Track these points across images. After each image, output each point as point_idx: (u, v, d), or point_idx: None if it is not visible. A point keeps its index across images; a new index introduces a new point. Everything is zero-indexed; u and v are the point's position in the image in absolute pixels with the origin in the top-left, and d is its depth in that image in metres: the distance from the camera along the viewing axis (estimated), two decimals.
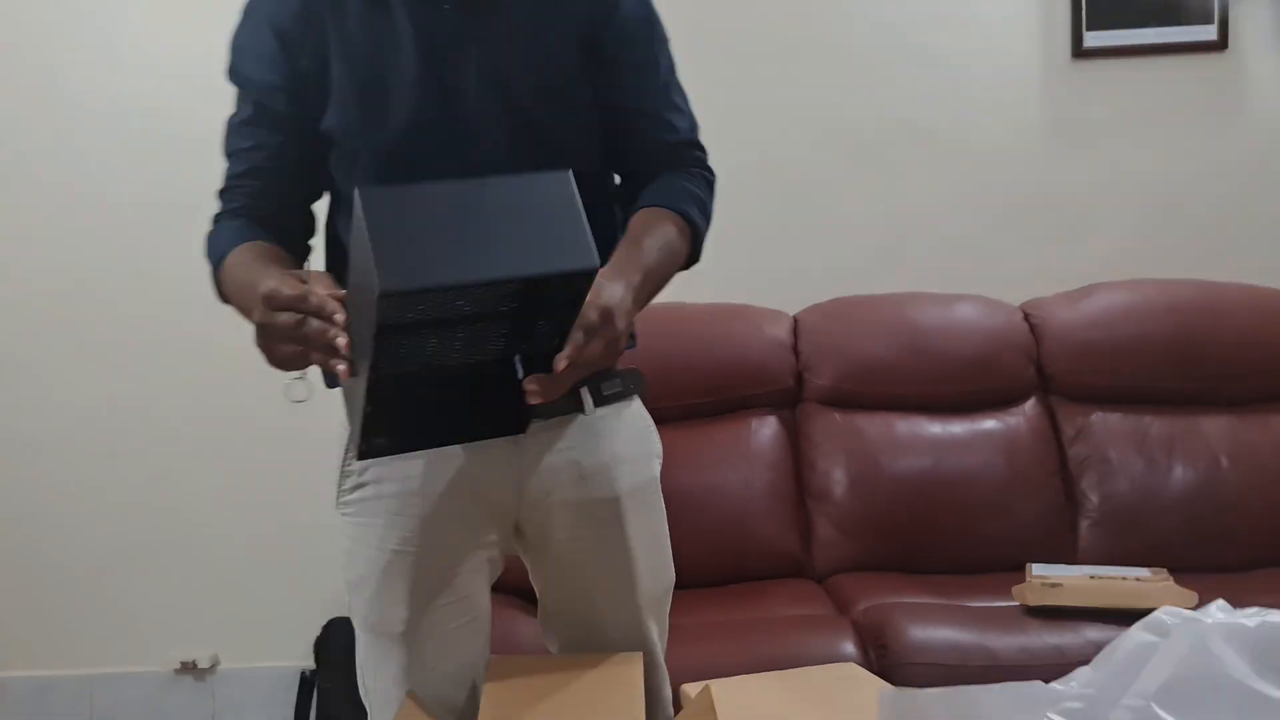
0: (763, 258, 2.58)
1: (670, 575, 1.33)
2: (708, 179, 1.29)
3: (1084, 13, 2.60)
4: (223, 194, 1.22)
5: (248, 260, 1.13)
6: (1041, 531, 2.29)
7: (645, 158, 1.26)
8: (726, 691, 1.09)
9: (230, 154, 1.22)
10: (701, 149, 1.29)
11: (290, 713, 2.55)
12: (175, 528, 2.68)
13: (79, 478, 2.69)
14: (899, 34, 2.63)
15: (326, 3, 1.14)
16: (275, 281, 0.95)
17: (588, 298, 0.97)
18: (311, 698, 2.54)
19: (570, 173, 0.94)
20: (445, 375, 0.95)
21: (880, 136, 2.65)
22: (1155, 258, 2.61)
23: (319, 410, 2.63)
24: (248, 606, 2.69)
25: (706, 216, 1.27)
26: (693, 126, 1.29)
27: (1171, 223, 2.65)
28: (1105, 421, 2.39)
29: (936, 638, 1.86)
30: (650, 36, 1.26)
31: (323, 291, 0.94)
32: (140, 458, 2.68)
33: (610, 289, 1.02)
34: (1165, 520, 2.28)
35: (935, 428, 2.38)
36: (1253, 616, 0.86)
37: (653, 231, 1.18)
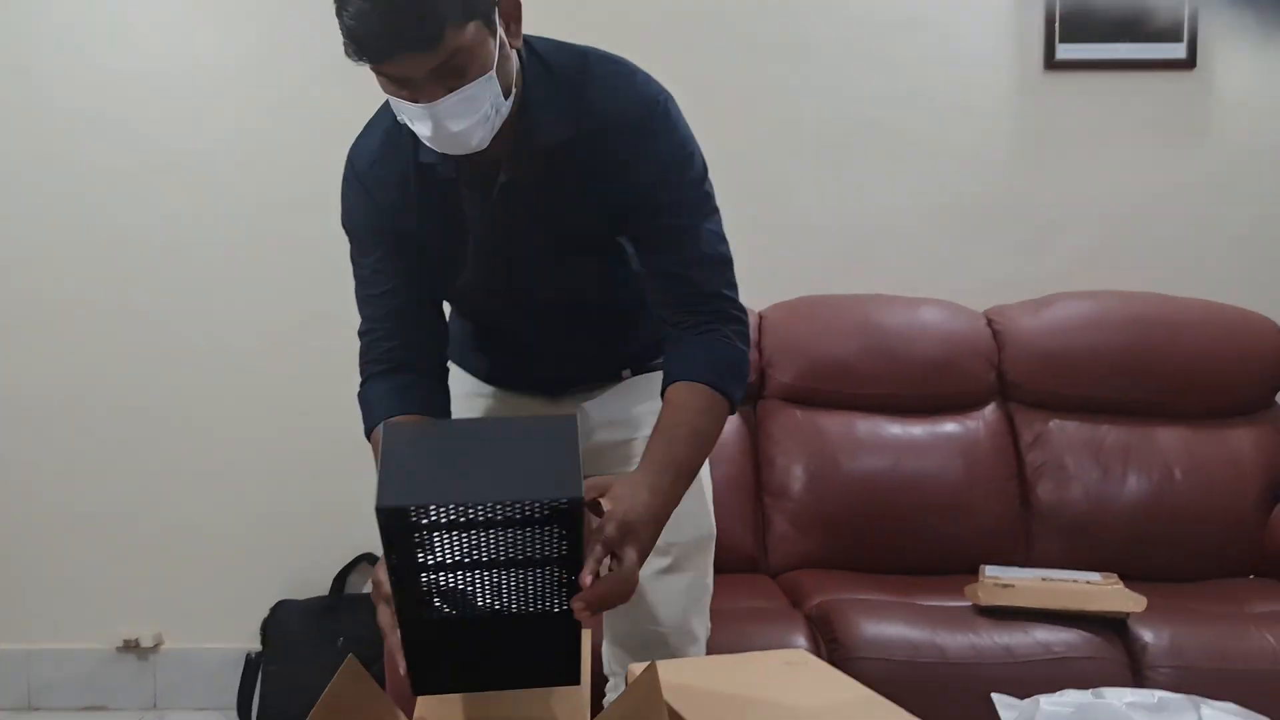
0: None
1: (709, 525, 1.46)
2: (742, 332, 1.30)
3: (1057, 25, 2.63)
4: (362, 338, 1.36)
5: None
6: (996, 535, 2.30)
7: (676, 300, 1.30)
8: (673, 671, 1.08)
9: (359, 301, 1.37)
10: (731, 301, 1.31)
11: (234, 695, 2.51)
12: (121, 502, 2.64)
13: (21, 448, 2.64)
14: (872, 37, 2.64)
15: (409, 181, 1.30)
16: (380, 574, 1.06)
17: (607, 509, 1.04)
18: (256, 680, 2.49)
19: (575, 416, 1.02)
20: (484, 624, 0.98)
21: (851, 139, 2.66)
22: (1118, 270, 2.63)
23: (274, 391, 2.63)
24: (194, 585, 2.65)
25: (743, 380, 1.30)
26: (728, 284, 1.31)
27: (1135, 236, 2.67)
28: (1063, 429, 2.41)
29: (887, 633, 1.86)
30: (680, 201, 1.30)
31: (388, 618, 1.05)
32: (86, 429, 2.63)
33: (631, 500, 1.09)
34: (1118, 528, 2.30)
35: (895, 429, 2.39)
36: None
37: (685, 423, 1.22)
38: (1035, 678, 1.75)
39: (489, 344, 1.50)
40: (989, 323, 2.50)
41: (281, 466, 2.63)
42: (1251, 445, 2.40)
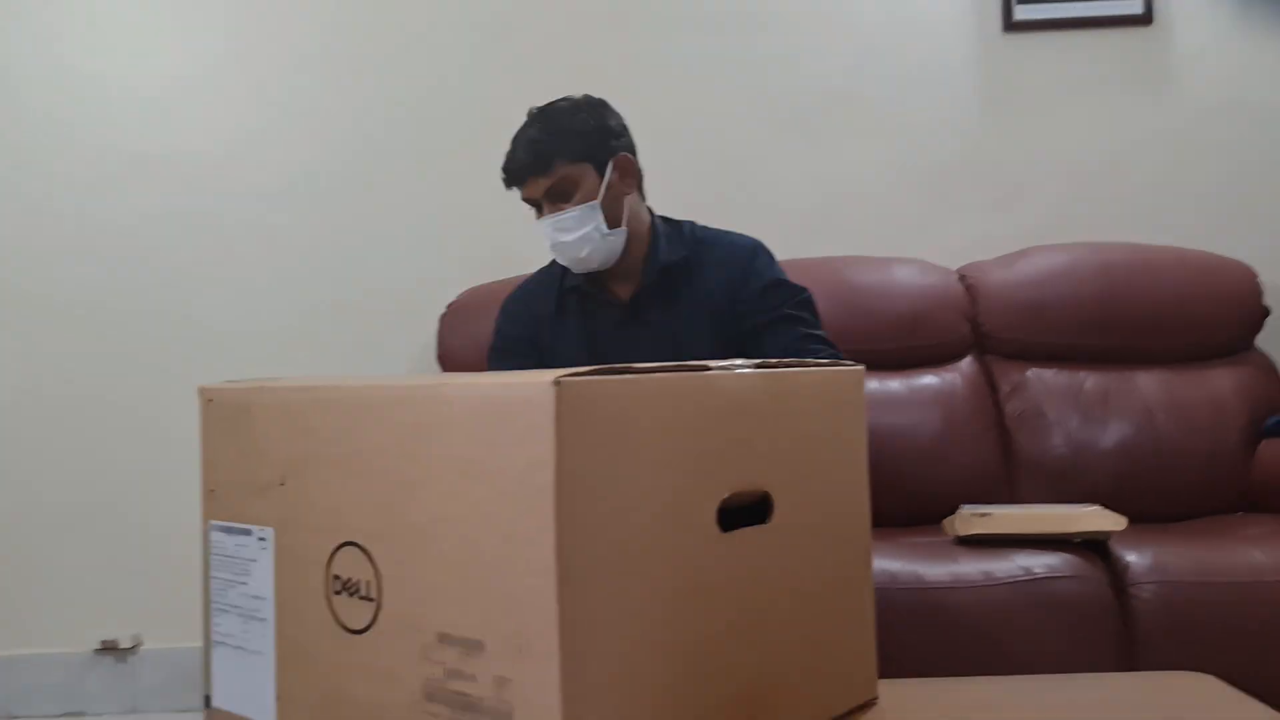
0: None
1: None
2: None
3: None
4: None
5: None
6: (978, 484, 2.26)
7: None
8: None
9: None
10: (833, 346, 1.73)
11: None
12: (96, 501, 2.61)
13: None
14: (831, 5, 2.67)
15: (551, 301, 1.75)
16: None
17: None
18: None
19: None
20: None
21: (813, 105, 2.67)
22: (1089, 224, 2.63)
23: None
24: (172, 585, 2.60)
25: None
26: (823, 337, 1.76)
27: (1104, 190, 2.67)
28: (1040, 378, 2.39)
29: None
30: (790, 299, 1.74)
31: None
32: (59, 428, 2.61)
33: None
34: (1102, 472, 2.26)
35: (873, 384, 2.36)
36: None
37: None
38: (1016, 599, 1.71)
39: None
40: (962, 278, 2.49)
41: None
42: (1233, 386, 2.37)
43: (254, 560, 0.85)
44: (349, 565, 0.78)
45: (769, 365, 0.84)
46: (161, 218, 2.63)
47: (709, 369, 0.78)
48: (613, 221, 1.64)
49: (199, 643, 2.64)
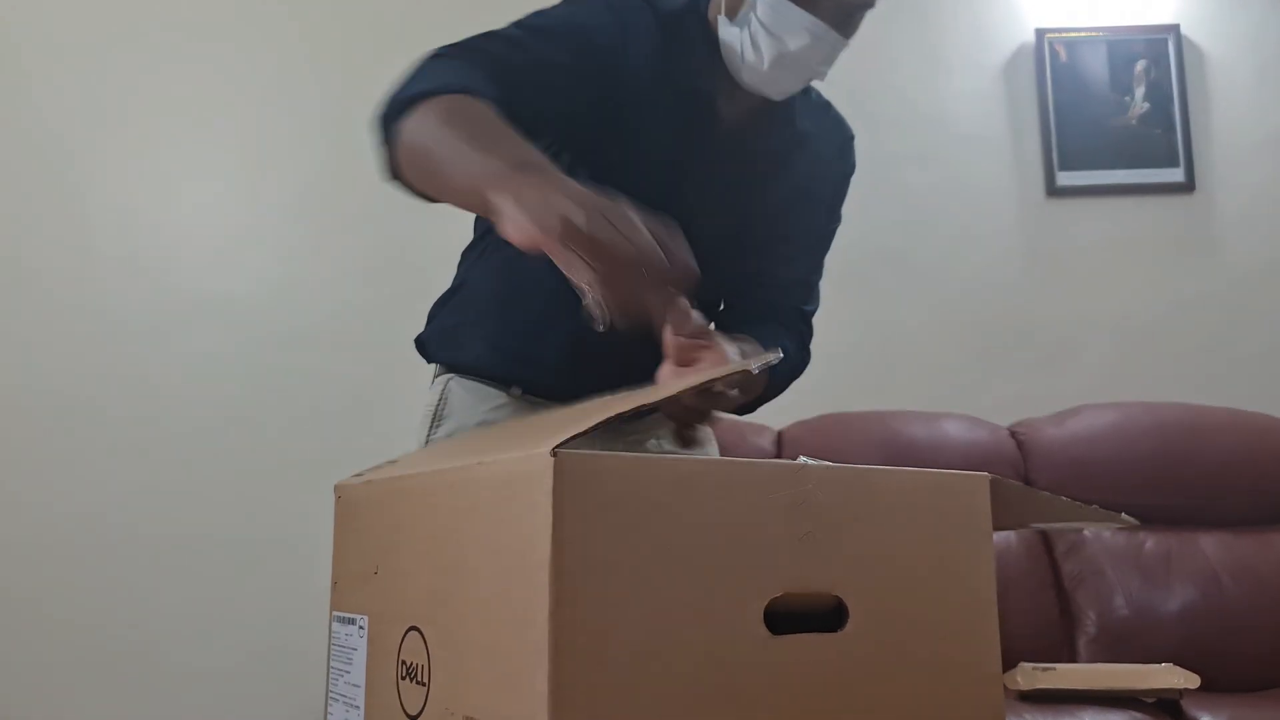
0: None
1: None
2: (807, 346, 1.32)
3: (1054, 154, 2.74)
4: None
5: (459, 112, 0.94)
6: (1035, 643, 2.17)
7: (768, 308, 1.28)
8: None
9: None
10: (811, 326, 1.34)
11: None
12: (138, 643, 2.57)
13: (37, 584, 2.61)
14: (883, 171, 2.76)
15: (662, 56, 1.17)
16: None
17: None
18: None
19: None
20: None
21: (864, 263, 2.73)
22: (1139, 385, 2.62)
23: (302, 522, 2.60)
24: None
25: (792, 370, 1.27)
26: (816, 306, 1.35)
27: (1152, 350, 2.67)
28: (1099, 537, 2.33)
29: None
30: (837, 207, 1.36)
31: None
32: (102, 566, 2.61)
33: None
34: (1165, 636, 2.17)
35: None
36: None
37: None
38: None
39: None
40: (1013, 434, 2.48)
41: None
42: None
43: (355, 649, 0.84)
44: (412, 650, 0.77)
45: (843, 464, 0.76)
46: (222, 358, 2.69)
47: (759, 465, 0.71)
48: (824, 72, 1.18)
49: None
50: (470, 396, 1.23)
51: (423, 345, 1.29)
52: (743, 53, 1.14)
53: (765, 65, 1.13)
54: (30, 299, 2.69)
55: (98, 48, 2.75)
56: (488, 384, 1.23)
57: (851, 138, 1.36)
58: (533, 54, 1.09)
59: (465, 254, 1.33)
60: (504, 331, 1.23)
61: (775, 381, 1.19)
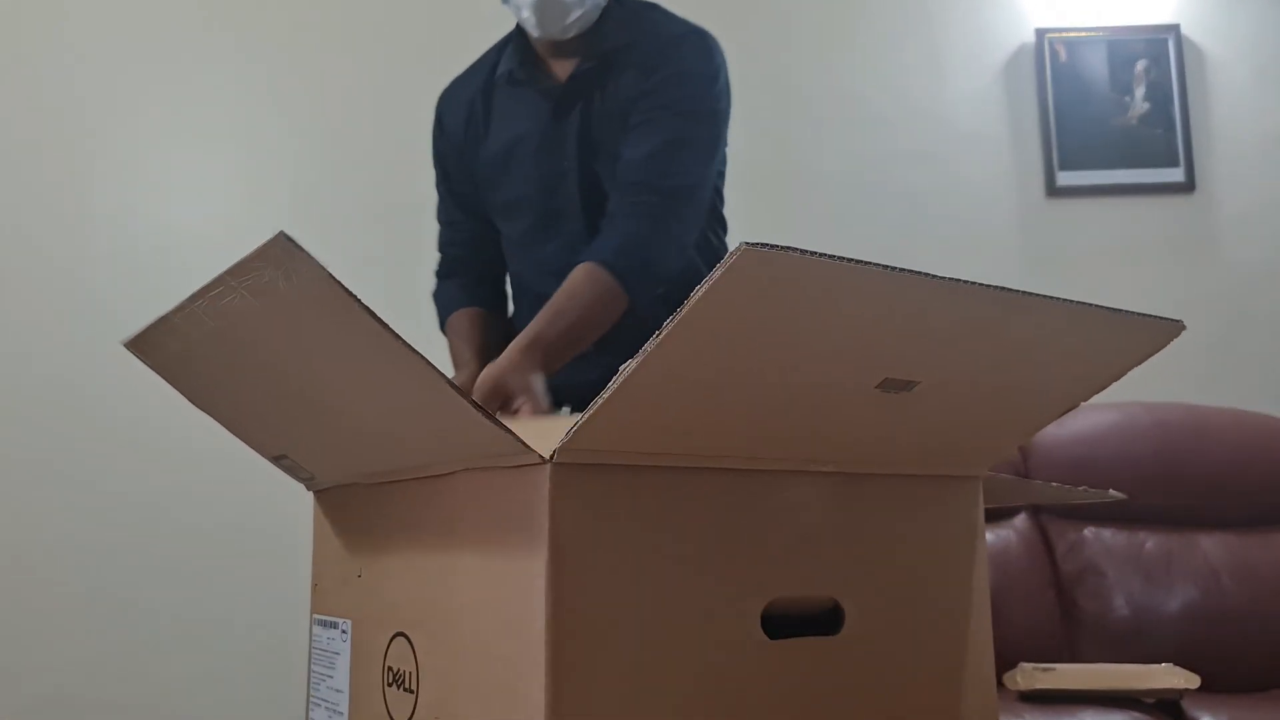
0: None
1: None
2: (652, 211, 1.32)
3: (1054, 154, 2.73)
4: (439, 249, 1.58)
5: (451, 338, 1.47)
6: (1036, 643, 2.17)
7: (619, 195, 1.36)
8: None
9: (437, 217, 1.58)
10: (678, 199, 1.35)
11: None
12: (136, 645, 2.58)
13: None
14: (882, 171, 2.75)
15: (476, 101, 1.47)
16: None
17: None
18: None
19: None
20: None
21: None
22: (1139, 385, 2.60)
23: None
24: None
25: (638, 254, 1.29)
26: (688, 181, 1.36)
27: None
28: (1099, 537, 2.33)
29: None
30: (679, 102, 1.37)
31: None
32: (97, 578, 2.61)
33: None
34: (1166, 636, 2.17)
35: None
36: None
37: (563, 296, 1.27)
38: None
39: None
40: None
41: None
42: None
43: (338, 654, 0.83)
44: (399, 656, 0.76)
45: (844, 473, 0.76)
46: None
47: (754, 469, 0.71)
48: None
49: None
50: None
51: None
52: (520, 16, 1.36)
53: (527, 12, 1.33)
54: (29, 298, 2.69)
55: (98, 47, 2.76)
56: None
57: (682, 35, 1.40)
58: (441, 210, 1.57)
59: None
60: None
61: (631, 264, 1.29)
